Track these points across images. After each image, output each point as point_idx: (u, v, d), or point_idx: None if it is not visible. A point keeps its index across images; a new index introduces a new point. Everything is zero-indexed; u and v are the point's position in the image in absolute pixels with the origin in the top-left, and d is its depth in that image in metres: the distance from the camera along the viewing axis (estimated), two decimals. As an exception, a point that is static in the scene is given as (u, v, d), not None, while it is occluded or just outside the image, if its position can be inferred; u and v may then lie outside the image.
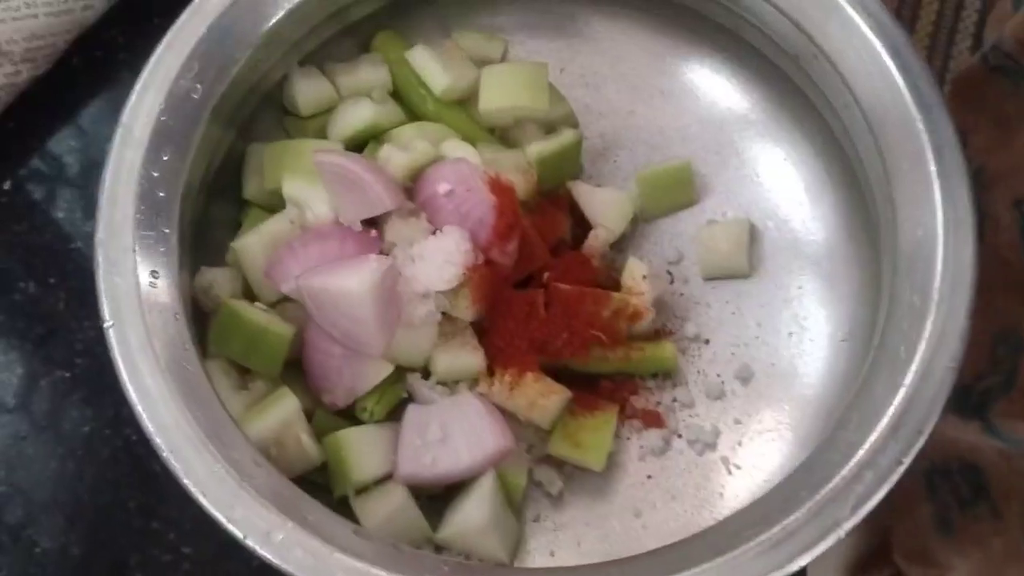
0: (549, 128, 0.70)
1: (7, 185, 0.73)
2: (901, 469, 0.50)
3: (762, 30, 0.66)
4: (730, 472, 0.63)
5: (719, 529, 0.53)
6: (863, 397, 0.53)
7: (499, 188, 0.63)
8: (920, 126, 0.57)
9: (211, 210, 0.65)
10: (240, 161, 0.67)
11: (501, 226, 0.61)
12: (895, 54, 0.59)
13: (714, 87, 0.71)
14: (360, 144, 0.67)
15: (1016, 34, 0.70)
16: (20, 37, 0.71)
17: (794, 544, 0.50)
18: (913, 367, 0.53)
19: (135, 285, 0.54)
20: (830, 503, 0.50)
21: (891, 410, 0.52)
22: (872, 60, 0.59)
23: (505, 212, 0.62)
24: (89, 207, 0.72)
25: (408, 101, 0.69)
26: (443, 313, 0.61)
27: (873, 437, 0.51)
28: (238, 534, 0.49)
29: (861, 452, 0.51)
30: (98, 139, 0.74)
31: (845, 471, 0.51)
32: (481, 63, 0.70)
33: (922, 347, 0.53)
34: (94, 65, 0.76)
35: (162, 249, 0.56)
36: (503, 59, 0.72)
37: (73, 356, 0.69)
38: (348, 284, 0.57)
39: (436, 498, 0.62)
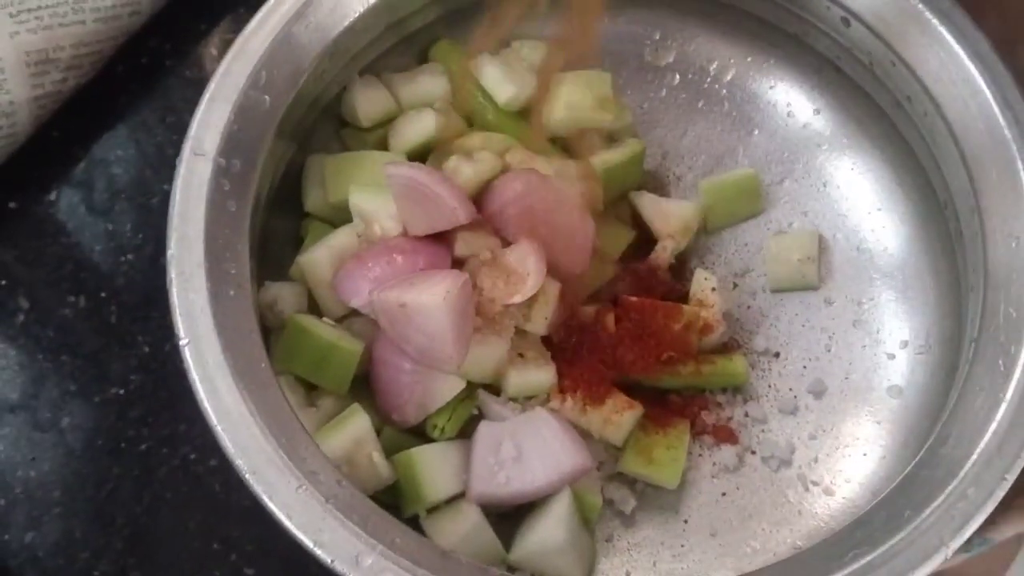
0: (610, 137, 0.69)
1: (53, 195, 0.71)
2: (1006, 485, 0.49)
3: (833, 37, 0.65)
4: (807, 489, 0.62)
5: (818, 551, 0.51)
6: (961, 413, 0.52)
7: (568, 199, 0.61)
8: (1008, 133, 0.56)
9: (270, 223, 0.63)
10: (298, 173, 0.66)
11: (575, 238, 0.60)
12: (979, 60, 0.58)
13: (779, 95, 0.70)
14: (422, 155, 0.66)
15: None
16: (67, 44, 0.69)
17: (899, 565, 0.48)
18: (1014, 381, 0.51)
19: (209, 301, 0.52)
20: (935, 523, 0.49)
21: (993, 426, 0.51)
22: (955, 67, 0.58)
23: (577, 223, 0.60)
24: (139, 218, 0.70)
25: (468, 111, 0.68)
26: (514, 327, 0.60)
27: (976, 454, 0.50)
28: (326, 559, 0.48)
29: (965, 469, 0.50)
30: (145, 148, 0.72)
31: (949, 489, 0.50)
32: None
33: (1022, 360, 0.52)
34: (140, 72, 0.74)
35: (234, 263, 0.54)
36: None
37: (127, 373, 0.67)
38: (425, 299, 0.55)
39: (505, 516, 0.61)
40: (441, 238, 0.60)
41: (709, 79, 0.71)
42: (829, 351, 0.65)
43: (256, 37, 0.58)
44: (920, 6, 0.59)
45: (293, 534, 0.48)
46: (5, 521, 0.63)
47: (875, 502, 0.52)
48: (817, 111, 0.69)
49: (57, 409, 0.66)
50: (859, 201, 0.67)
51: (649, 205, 0.67)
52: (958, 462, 0.50)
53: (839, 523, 0.60)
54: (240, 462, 0.49)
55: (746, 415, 0.64)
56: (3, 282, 0.68)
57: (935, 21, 0.58)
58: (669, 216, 0.66)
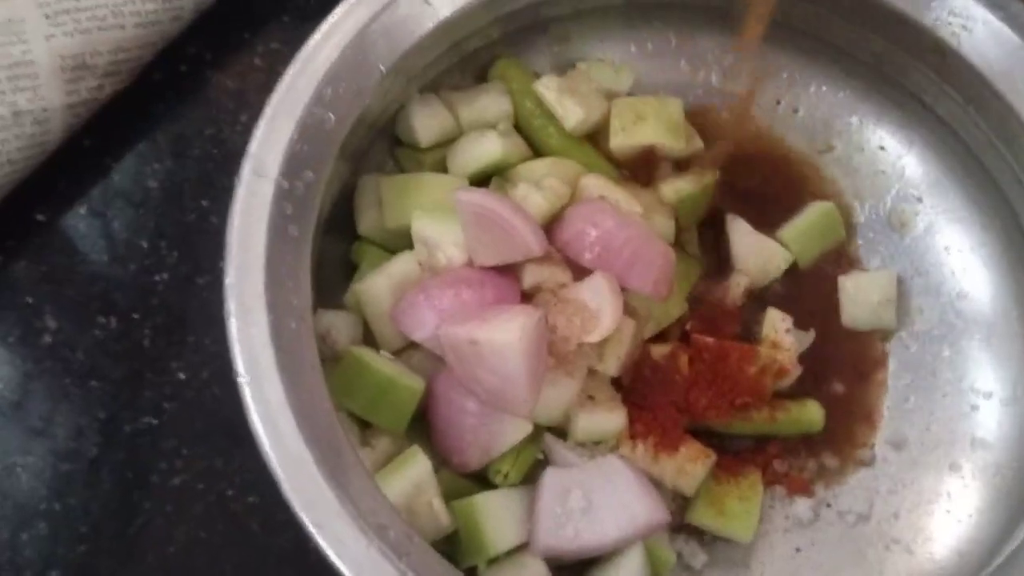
0: (679, 165, 0.65)
1: (83, 209, 0.67)
2: None
3: (923, 71, 0.61)
4: (888, 548, 0.59)
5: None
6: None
7: (644, 227, 0.58)
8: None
9: (321, 246, 0.59)
10: (350, 194, 0.62)
11: (654, 265, 0.56)
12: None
13: (858, 125, 0.66)
14: (483, 179, 0.62)
15: None
16: (105, 49, 0.65)
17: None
18: None
19: (270, 335, 0.48)
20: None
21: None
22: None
23: (656, 250, 0.57)
24: (176, 235, 0.66)
25: (531, 134, 0.64)
26: (583, 367, 0.56)
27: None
28: (400, 624, 0.44)
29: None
30: (184, 161, 0.68)
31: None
32: (608, 95, 0.65)
33: None
34: (178, 81, 0.70)
35: (296, 293, 0.50)
36: (629, 92, 0.67)
37: (161, 400, 0.62)
38: (499, 337, 0.51)
39: (567, 568, 0.57)
40: (509, 269, 0.57)
41: (783, 103, 0.67)
42: (908, 399, 0.62)
43: (321, 51, 0.54)
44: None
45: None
46: (26, 558, 0.59)
47: (985, 573, 0.48)
48: (903, 149, 0.66)
49: (84, 438, 0.62)
50: (942, 242, 0.64)
51: (741, 234, 0.63)
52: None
53: (923, 586, 0.57)
54: (305, 516, 0.45)
55: (820, 465, 0.61)
56: (29, 300, 0.64)
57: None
58: (759, 252, 0.63)
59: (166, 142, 0.69)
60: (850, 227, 0.65)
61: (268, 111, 0.53)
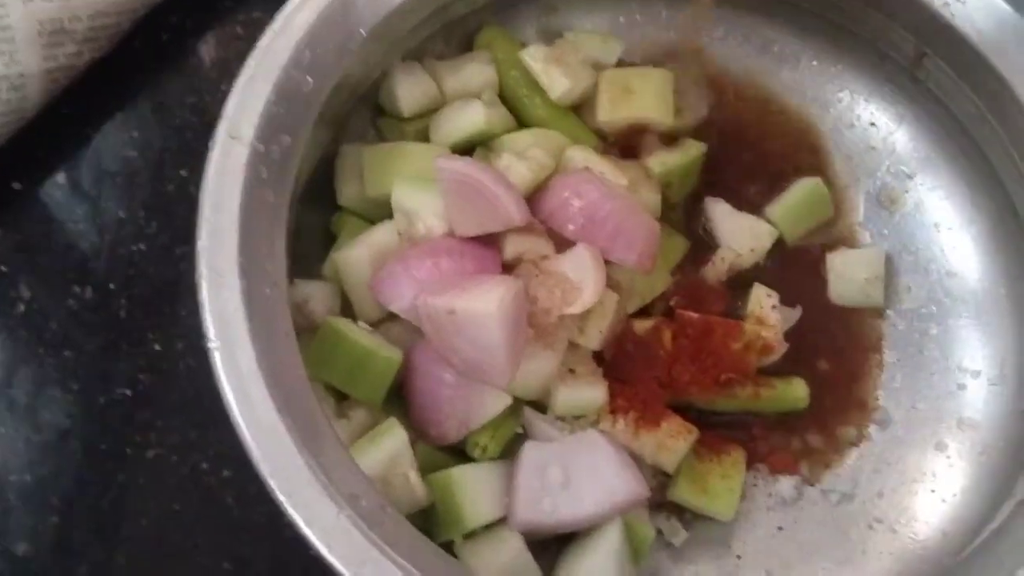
0: (667, 137, 0.64)
1: (61, 178, 0.66)
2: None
3: (915, 43, 0.60)
4: (871, 527, 0.58)
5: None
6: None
7: (629, 200, 0.57)
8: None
9: (300, 216, 0.58)
10: (330, 163, 0.61)
11: (638, 239, 0.55)
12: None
13: (849, 100, 0.65)
14: (467, 150, 0.61)
15: None
16: (84, 15, 0.64)
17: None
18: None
19: (243, 301, 0.47)
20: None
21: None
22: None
23: (640, 223, 0.56)
24: (154, 205, 0.65)
25: (516, 104, 0.63)
26: (565, 340, 0.55)
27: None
28: (369, 595, 0.43)
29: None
30: (163, 130, 0.67)
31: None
32: (596, 66, 0.64)
33: None
34: (159, 49, 0.69)
35: (271, 259, 0.49)
36: (618, 63, 0.66)
37: (136, 372, 0.61)
38: (477, 306, 0.50)
39: (546, 543, 0.56)
40: (490, 240, 0.56)
41: (775, 81, 0.66)
42: (894, 378, 0.61)
43: (300, 13, 0.53)
44: (1021, 17, 0.54)
45: (332, 565, 0.43)
46: (-3, 530, 0.58)
47: (966, 552, 0.47)
48: (893, 123, 0.65)
49: (57, 410, 0.61)
50: (931, 219, 0.63)
51: (722, 215, 0.62)
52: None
53: (906, 565, 0.56)
54: (274, 483, 0.44)
55: (804, 444, 0.60)
56: (3, 269, 0.63)
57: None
58: (742, 232, 0.62)
59: (146, 111, 0.68)
60: (839, 204, 0.64)
61: (245, 73, 0.52)
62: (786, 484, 0.59)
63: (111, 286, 0.63)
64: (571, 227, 0.55)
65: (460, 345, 0.52)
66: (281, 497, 0.44)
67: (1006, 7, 0.55)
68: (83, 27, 0.64)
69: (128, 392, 0.61)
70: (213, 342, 0.46)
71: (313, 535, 0.43)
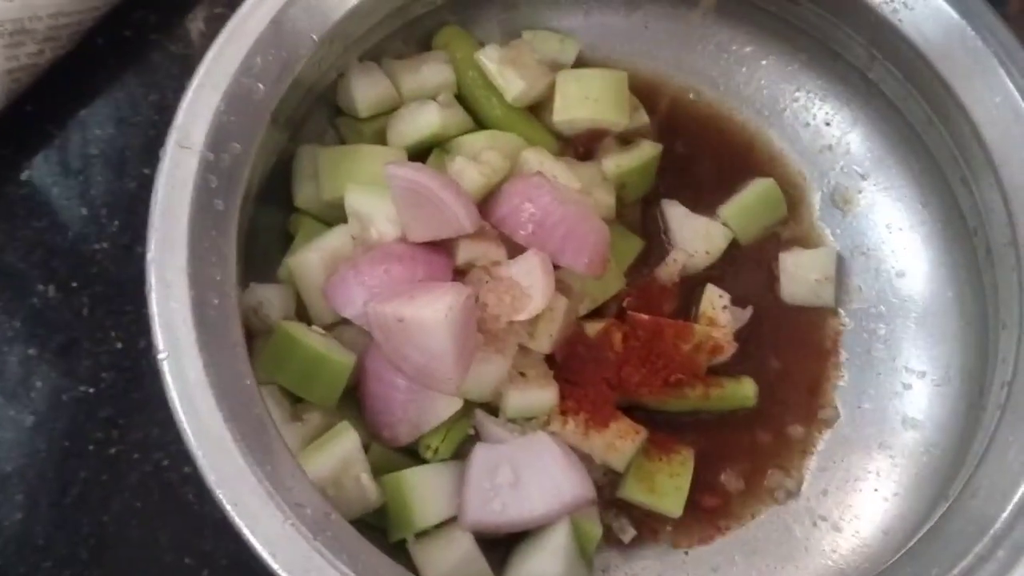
0: (624, 138, 0.65)
1: (25, 175, 0.66)
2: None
3: (867, 47, 0.61)
4: (815, 524, 0.59)
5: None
6: (993, 462, 0.49)
7: (581, 204, 0.58)
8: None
9: (256, 217, 0.59)
10: (287, 163, 0.61)
11: (587, 243, 0.56)
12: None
13: (804, 99, 0.66)
14: (423, 151, 0.61)
15: None
16: (45, 13, 0.64)
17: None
18: (1054, 431, 0.48)
19: (192, 311, 0.48)
20: (963, 582, 0.46)
21: (1028, 480, 0.48)
22: (1000, 90, 0.54)
23: (591, 228, 0.57)
24: (116, 203, 0.66)
25: (474, 104, 0.63)
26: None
27: (1009, 509, 0.47)
28: (312, 601, 0.44)
29: (996, 526, 0.47)
30: (126, 128, 0.68)
31: (979, 548, 0.47)
32: (553, 66, 0.65)
33: (1062, 411, 0.49)
34: (122, 46, 0.69)
35: (220, 268, 0.50)
36: (575, 63, 0.66)
37: (98, 370, 0.62)
38: (425, 314, 0.51)
39: (496, 542, 0.57)
40: (442, 245, 0.56)
41: (731, 83, 0.67)
42: (842, 377, 0.62)
43: (250, 19, 0.54)
44: (966, 24, 0.55)
45: (275, 572, 0.45)
46: (-39, 525, 0.59)
47: (899, 555, 0.49)
48: (845, 127, 0.65)
49: (21, 407, 0.62)
50: (883, 220, 0.64)
51: (678, 218, 0.63)
52: (990, 518, 0.47)
53: (848, 563, 0.57)
54: (221, 492, 0.45)
55: (753, 442, 0.61)
56: (-33, 267, 0.64)
57: (981, 41, 0.54)
58: (697, 234, 0.63)
59: (109, 108, 0.68)
60: (793, 204, 0.65)
61: (194, 81, 0.52)
62: (733, 481, 0.60)
63: (73, 284, 0.64)
64: (522, 232, 0.56)
65: (409, 352, 0.52)
66: (227, 506, 0.45)
67: (953, 14, 0.56)
68: (44, 26, 0.64)
69: (90, 390, 0.62)
70: (162, 352, 0.47)
71: (258, 543, 0.45)
